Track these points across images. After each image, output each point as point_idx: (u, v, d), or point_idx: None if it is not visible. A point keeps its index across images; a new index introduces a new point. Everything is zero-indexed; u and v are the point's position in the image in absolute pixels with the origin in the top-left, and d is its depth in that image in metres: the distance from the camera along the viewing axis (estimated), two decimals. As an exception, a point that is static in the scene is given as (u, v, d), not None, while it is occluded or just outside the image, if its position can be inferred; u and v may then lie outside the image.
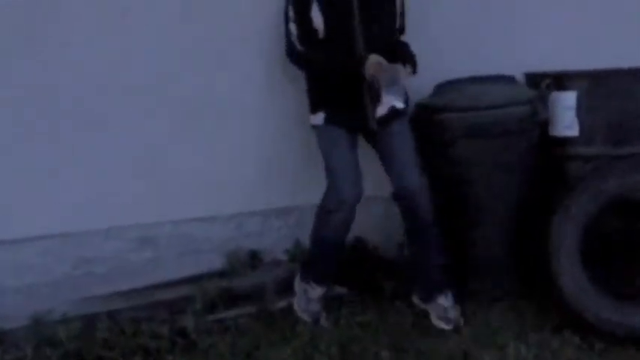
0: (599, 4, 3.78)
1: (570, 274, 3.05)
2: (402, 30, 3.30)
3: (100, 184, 3.31)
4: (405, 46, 3.27)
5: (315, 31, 3.12)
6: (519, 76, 3.57)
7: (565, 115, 3.33)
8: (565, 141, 3.36)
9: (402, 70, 3.09)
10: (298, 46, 3.17)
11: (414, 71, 3.18)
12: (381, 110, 3.16)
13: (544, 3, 3.76)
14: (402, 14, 3.28)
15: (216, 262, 3.52)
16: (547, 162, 3.37)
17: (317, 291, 3.31)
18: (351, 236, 3.53)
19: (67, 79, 3.20)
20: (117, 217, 3.37)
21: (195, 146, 3.45)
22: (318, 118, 3.23)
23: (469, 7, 3.70)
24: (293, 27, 3.17)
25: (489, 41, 3.68)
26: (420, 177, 3.13)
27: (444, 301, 3.23)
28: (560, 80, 3.35)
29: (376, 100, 3.12)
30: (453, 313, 3.21)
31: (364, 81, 3.07)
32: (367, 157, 3.35)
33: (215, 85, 3.42)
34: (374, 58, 3.00)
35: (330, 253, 3.27)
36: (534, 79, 3.50)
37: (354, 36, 3.08)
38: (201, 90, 3.40)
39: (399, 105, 3.18)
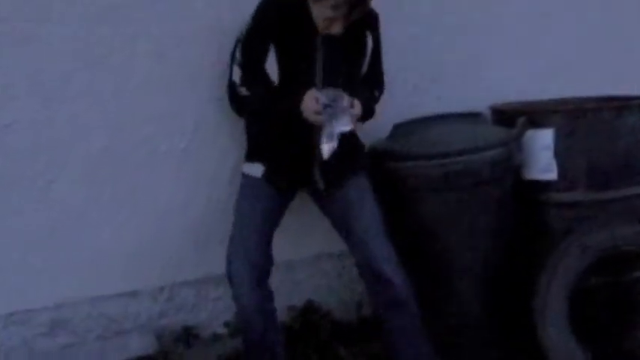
0: (567, 32, 3.62)
1: (558, 341, 2.72)
2: (373, 82, 2.85)
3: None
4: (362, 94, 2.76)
5: (265, 75, 2.66)
6: (485, 111, 3.19)
7: (541, 156, 2.93)
8: (543, 186, 2.96)
9: (345, 97, 2.56)
10: (243, 92, 2.70)
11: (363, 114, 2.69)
12: (327, 150, 2.57)
13: (511, 29, 3.49)
14: (374, 66, 2.83)
15: (145, 344, 3.03)
16: (523, 210, 2.97)
17: None
18: (300, 299, 3.24)
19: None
20: (21, 299, 2.84)
21: (112, 206, 2.92)
22: (255, 169, 2.75)
23: (428, 32, 3.32)
24: (237, 71, 2.69)
25: (451, 71, 3.33)
26: (386, 247, 2.63)
27: None
28: (535, 116, 2.94)
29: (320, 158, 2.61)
30: None
31: (312, 133, 2.62)
32: (314, 209, 2.91)
33: (132, 132, 2.90)
34: (308, 95, 2.53)
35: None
36: (502, 115, 3.11)
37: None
38: (116, 139, 2.88)
39: (345, 128, 2.56)
